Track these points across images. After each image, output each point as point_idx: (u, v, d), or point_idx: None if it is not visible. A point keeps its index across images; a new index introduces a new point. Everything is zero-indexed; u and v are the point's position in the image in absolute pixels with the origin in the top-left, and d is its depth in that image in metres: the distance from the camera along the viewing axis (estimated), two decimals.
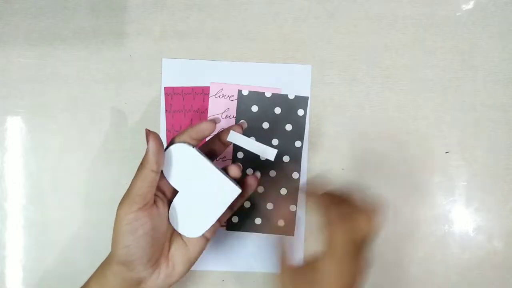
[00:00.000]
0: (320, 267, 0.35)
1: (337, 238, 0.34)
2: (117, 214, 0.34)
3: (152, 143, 0.34)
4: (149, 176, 0.34)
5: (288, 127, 0.46)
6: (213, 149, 0.39)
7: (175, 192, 0.37)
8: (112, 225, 0.36)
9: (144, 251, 0.34)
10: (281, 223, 0.46)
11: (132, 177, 0.46)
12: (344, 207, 0.37)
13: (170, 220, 0.37)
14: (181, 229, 0.37)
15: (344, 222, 0.35)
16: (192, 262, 0.37)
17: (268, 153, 0.37)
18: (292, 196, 0.46)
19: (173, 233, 0.37)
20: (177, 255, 0.37)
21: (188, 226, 0.37)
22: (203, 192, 0.36)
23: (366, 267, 0.36)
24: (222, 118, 0.46)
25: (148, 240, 0.34)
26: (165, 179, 0.36)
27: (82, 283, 0.38)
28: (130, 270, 0.34)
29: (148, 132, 0.35)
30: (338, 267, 0.34)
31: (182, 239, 0.37)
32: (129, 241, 0.34)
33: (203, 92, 0.46)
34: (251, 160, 0.46)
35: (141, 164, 0.35)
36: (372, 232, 0.36)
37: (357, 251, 0.35)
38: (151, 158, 0.34)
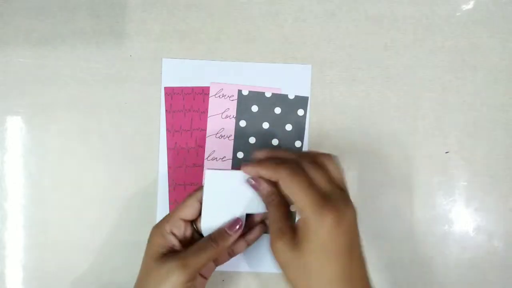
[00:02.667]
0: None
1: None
2: (170, 281, 0.35)
3: (238, 235, 0.38)
4: (216, 256, 0.37)
5: (288, 127, 0.46)
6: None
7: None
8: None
9: None
10: None
11: (132, 177, 0.46)
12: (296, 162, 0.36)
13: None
14: None
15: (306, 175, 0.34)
16: None
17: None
18: None
19: None
20: None
21: None
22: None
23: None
24: (222, 118, 0.46)
25: None
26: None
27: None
28: None
29: (238, 223, 0.38)
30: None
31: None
32: None
33: (203, 92, 0.46)
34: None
35: (216, 243, 0.37)
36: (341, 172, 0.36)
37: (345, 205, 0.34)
38: (229, 246, 0.37)
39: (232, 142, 0.46)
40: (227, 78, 0.46)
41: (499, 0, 0.46)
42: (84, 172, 0.45)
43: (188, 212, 0.38)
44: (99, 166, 0.46)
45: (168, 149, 0.46)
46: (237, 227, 0.38)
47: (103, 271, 0.45)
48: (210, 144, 0.46)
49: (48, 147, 0.46)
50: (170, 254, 0.37)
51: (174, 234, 0.38)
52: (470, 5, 0.46)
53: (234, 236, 0.37)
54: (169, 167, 0.45)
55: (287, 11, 0.46)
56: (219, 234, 0.37)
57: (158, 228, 0.38)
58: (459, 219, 0.46)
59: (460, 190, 0.46)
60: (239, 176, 0.38)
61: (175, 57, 0.46)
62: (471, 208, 0.46)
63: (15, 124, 0.46)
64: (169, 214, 0.39)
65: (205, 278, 0.40)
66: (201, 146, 0.46)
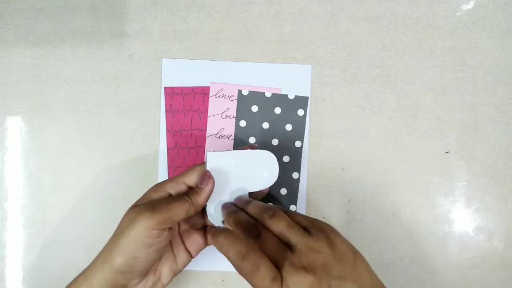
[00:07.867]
0: None
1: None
2: (137, 224, 0.33)
3: (209, 188, 0.36)
4: (191, 211, 0.35)
5: (288, 127, 0.46)
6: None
7: None
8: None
9: (149, 264, 0.35)
10: None
11: (132, 177, 0.46)
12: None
13: None
14: None
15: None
16: (176, 275, 0.39)
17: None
18: (292, 196, 0.46)
19: (167, 248, 0.38)
20: (165, 267, 0.38)
21: None
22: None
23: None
24: (222, 118, 0.46)
25: (156, 255, 0.35)
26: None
27: None
28: (125, 279, 0.34)
29: (209, 176, 0.36)
30: None
31: (173, 254, 0.38)
32: (140, 253, 0.34)
33: (203, 92, 0.46)
34: None
35: (189, 197, 0.36)
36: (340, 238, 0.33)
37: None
38: (203, 200, 0.36)
39: (232, 142, 0.46)
40: (227, 78, 0.46)
41: (499, 0, 0.46)
42: (84, 172, 0.45)
43: (193, 177, 0.37)
44: (99, 166, 0.46)
45: (168, 149, 0.46)
46: (209, 180, 0.36)
47: None
48: (210, 144, 0.46)
49: (48, 147, 0.46)
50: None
51: (171, 195, 0.37)
52: (470, 5, 0.46)
53: (206, 190, 0.36)
54: (169, 167, 0.45)
55: (287, 11, 0.46)
56: (193, 190, 0.36)
57: (157, 185, 0.37)
58: (459, 219, 0.46)
59: (460, 190, 0.46)
60: (240, 155, 0.39)
61: (175, 57, 0.46)
62: (471, 208, 0.46)
63: (15, 124, 0.46)
64: (174, 176, 0.38)
65: (189, 252, 0.39)
66: (201, 146, 0.46)
